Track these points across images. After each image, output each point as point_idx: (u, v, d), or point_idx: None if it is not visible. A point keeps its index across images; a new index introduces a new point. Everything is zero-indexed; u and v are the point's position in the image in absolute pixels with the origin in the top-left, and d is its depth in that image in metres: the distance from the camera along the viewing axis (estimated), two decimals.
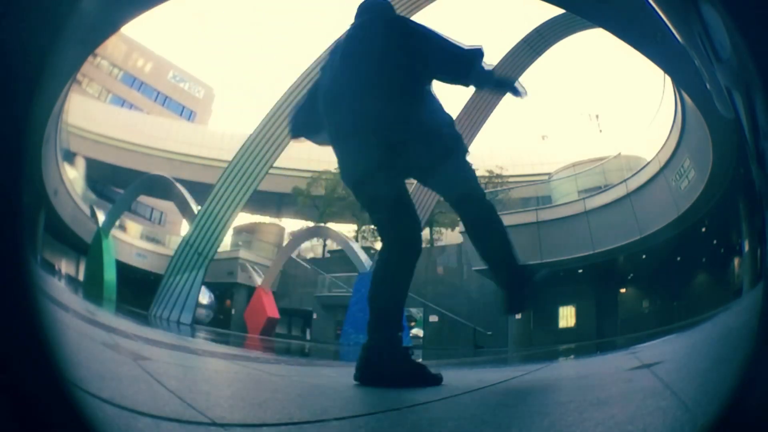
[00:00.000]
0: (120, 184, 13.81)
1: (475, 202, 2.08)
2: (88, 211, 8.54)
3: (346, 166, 2.05)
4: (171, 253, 9.71)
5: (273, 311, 13.09)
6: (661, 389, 1.30)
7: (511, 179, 15.67)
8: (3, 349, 0.63)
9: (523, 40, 10.74)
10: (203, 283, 9.20)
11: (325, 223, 16.54)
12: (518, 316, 10.91)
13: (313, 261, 16.77)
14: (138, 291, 10.02)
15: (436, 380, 1.81)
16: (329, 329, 14.56)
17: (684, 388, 1.18)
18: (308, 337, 15.66)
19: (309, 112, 2.24)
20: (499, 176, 15.76)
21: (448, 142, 2.07)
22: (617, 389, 1.63)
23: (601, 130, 17.73)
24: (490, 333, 11.89)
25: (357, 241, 15.74)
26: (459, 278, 14.01)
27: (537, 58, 10.83)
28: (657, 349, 2.73)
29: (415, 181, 2.32)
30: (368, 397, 1.58)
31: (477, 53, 2.05)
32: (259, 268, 14.59)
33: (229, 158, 9.73)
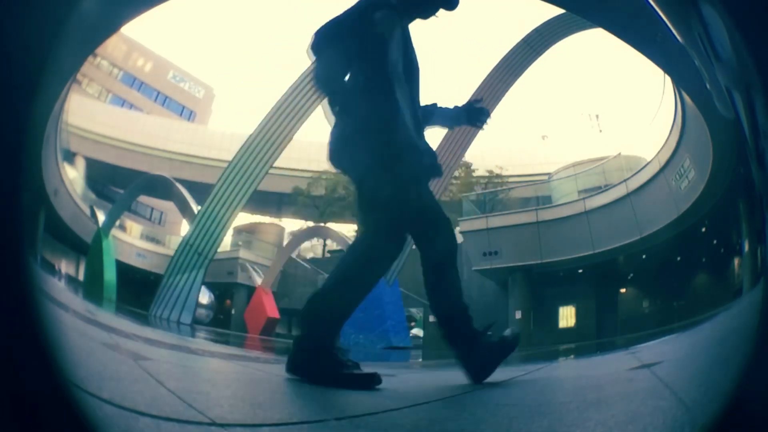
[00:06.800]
0: (120, 184, 13.79)
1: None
2: (88, 211, 8.53)
3: None
4: (171, 253, 9.70)
5: (273, 311, 13.09)
6: (661, 389, 1.30)
7: (511, 179, 15.65)
8: (3, 350, 0.63)
9: (523, 40, 10.73)
10: (203, 283, 9.20)
11: (325, 223, 16.53)
12: (518, 316, 10.90)
13: (313, 261, 16.76)
14: (138, 291, 10.01)
15: (367, 381, 1.66)
16: None
17: (684, 388, 1.18)
18: None
19: None
20: (499, 176, 15.75)
21: None
22: (617, 389, 1.63)
23: (601, 130, 17.72)
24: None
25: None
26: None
27: (537, 58, 10.82)
28: (657, 349, 2.73)
29: None
30: (368, 397, 1.57)
31: None
32: (259, 268, 14.58)
33: (229, 158, 9.73)
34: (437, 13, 2.23)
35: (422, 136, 2.03)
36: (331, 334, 1.78)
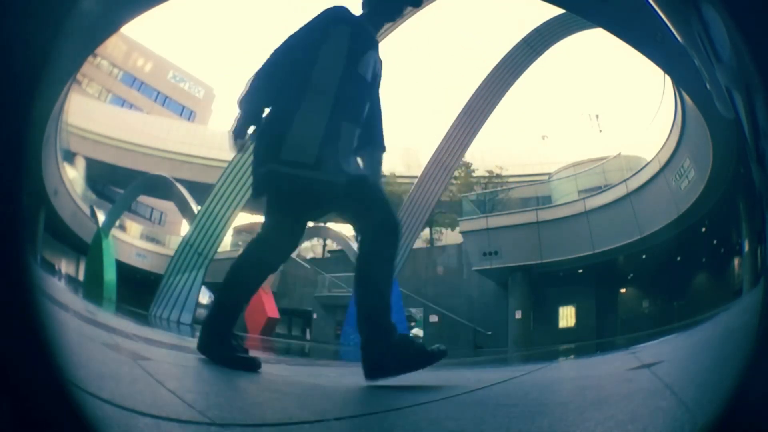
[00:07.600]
0: (120, 184, 13.79)
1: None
2: (88, 211, 8.54)
3: None
4: (171, 253, 9.70)
5: (273, 311, 13.09)
6: (661, 389, 1.30)
7: (511, 179, 15.66)
8: (3, 349, 0.63)
9: (523, 40, 10.73)
10: (203, 283, 9.20)
11: (325, 223, 16.53)
12: (518, 316, 10.91)
13: (313, 261, 16.76)
14: (138, 291, 10.02)
15: (439, 355, 1.78)
16: (329, 329, 14.56)
17: (684, 388, 1.18)
18: (308, 337, 15.66)
19: None
20: (499, 176, 15.76)
21: None
22: (617, 389, 1.63)
23: (601, 130, 17.72)
24: (490, 333, 11.88)
25: (357, 241, 15.68)
26: (459, 278, 14.00)
27: (537, 58, 10.83)
28: (657, 349, 2.73)
29: None
30: (368, 397, 1.58)
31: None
32: None
33: (229, 158, 9.73)
34: (404, 13, 2.26)
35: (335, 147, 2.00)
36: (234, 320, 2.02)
